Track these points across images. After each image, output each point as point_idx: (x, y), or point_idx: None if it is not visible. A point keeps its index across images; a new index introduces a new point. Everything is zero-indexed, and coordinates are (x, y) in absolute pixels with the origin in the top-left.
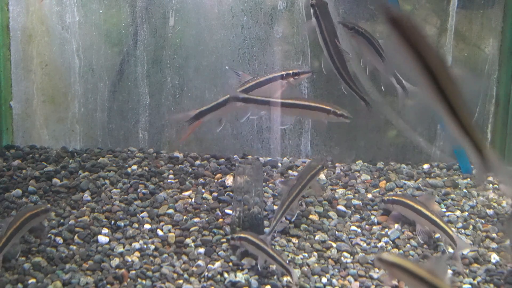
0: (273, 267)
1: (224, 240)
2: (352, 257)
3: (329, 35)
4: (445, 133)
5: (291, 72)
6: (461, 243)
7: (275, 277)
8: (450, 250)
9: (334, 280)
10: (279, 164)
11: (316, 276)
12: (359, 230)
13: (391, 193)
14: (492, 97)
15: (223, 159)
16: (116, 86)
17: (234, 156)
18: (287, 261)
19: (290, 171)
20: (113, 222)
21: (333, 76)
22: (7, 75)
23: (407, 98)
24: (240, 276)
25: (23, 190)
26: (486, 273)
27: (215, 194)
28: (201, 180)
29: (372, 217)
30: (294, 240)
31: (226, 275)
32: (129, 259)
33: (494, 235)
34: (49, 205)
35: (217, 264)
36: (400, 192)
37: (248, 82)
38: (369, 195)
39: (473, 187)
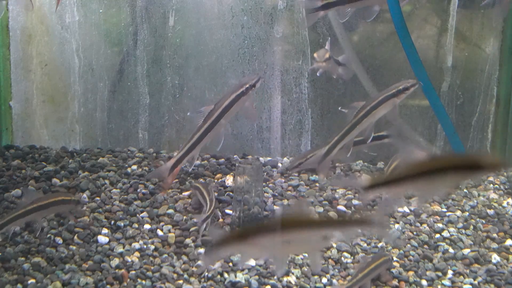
0: (273, 267)
1: None
2: (352, 257)
3: None
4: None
5: (248, 85)
6: None
7: (275, 277)
8: (451, 250)
9: (334, 280)
10: (279, 164)
11: (316, 277)
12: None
13: None
14: (492, 97)
15: (223, 159)
16: (116, 86)
17: (234, 156)
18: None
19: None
20: (113, 222)
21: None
22: (7, 75)
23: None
24: (240, 276)
25: (22, 190)
26: (487, 273)
27: (215, 194)
28: (201, 180)
29: None
30: None
31: (226, 275)
32: (129, 259)
33: (494, 235)
34: (83, 199)
35: (217, 264)
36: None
37: (212, 113)
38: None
39: (474, 187)
